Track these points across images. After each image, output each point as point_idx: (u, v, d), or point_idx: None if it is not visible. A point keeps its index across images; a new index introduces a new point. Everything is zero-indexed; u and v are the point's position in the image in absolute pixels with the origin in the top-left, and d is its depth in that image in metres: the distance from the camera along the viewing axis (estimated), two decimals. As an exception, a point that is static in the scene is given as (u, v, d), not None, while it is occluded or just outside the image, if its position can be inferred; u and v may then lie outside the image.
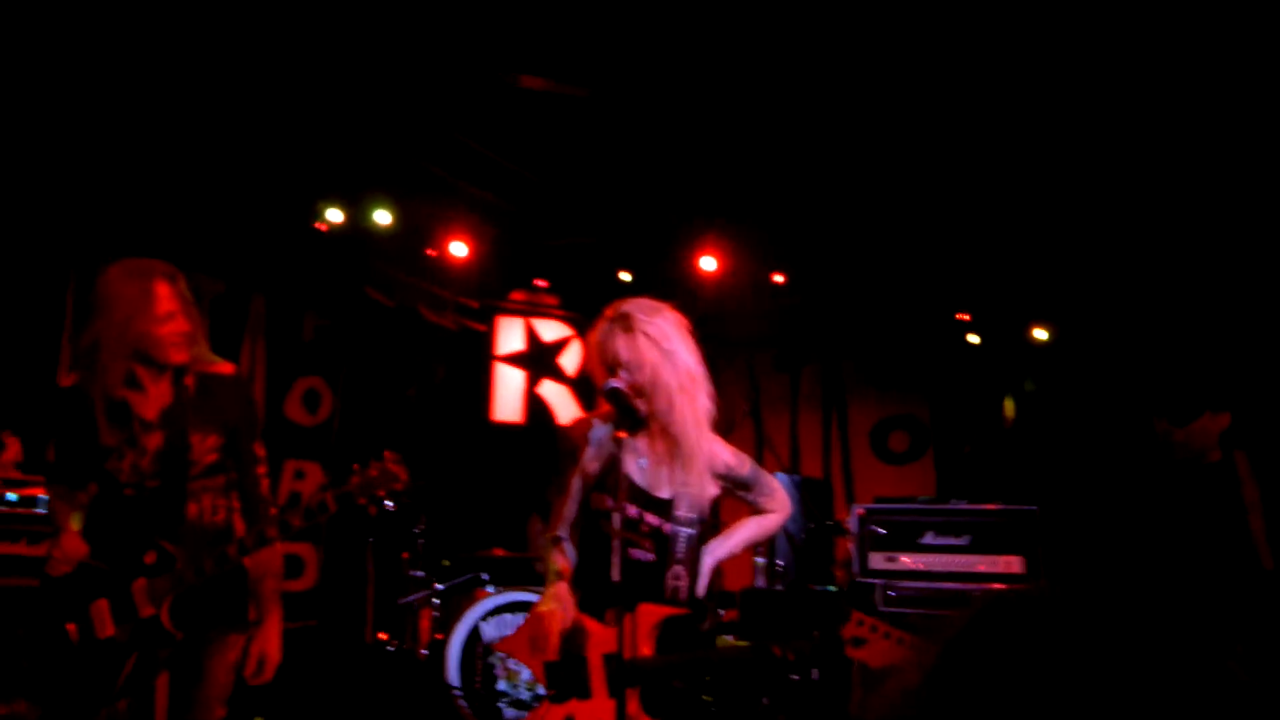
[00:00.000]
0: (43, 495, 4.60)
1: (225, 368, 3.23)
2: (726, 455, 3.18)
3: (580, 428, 3.18)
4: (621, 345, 2.98)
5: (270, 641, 3.15)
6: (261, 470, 3.20)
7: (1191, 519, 3.40)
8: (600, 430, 3.12)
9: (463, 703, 5.19)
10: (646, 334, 2.97)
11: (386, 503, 2.99)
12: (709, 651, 2.95)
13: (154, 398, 3.09)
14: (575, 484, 3.13)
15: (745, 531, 3.28)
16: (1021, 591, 0.85)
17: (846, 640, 2.66)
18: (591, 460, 3.11)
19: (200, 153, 5.58)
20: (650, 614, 2.94)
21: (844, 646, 2.66)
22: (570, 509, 3.14)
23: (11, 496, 4.62)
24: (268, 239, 6.38)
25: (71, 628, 3.01)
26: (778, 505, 3.28)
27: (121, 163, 5.52)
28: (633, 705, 2.83)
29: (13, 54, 4.65)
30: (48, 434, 5.40)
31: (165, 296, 3.00)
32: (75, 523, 3.15)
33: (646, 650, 2.90)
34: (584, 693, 2.93)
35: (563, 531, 3.15)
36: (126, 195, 5.68)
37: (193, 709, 3.09)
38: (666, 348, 2.98)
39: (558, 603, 2.99)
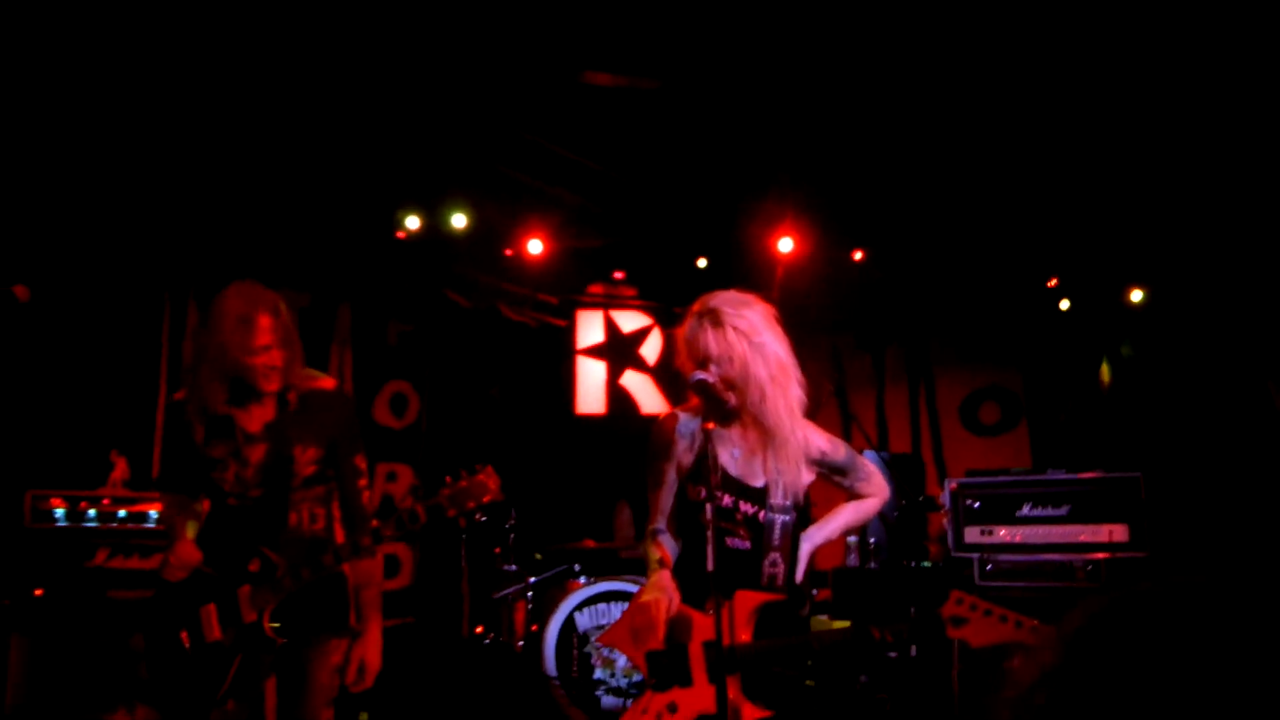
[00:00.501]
0: (152, 511, 4.81)
1: (327, 383, 3.36)
2: (821, 441, 3.17)
3: (669, 421, 3.19)
4: (711, 340, 2.99)
5: (371, 649, 3.25)
6: (362, 483, 3.31)
7: None
8: (689, 423, 3.13)
9: (561, 692, 5.27)
10: (736, 328, 2.98)
11: (478, 515, 3.06)
12: (807, 636, 2.94)
13: (257, 413, 3.23)
14: (670, 476, 3.15)
15: (843, 517, 3.26)
16: (1155, 586, 0.82)
17: (946, 620, 2.63)
18: (685, 452, 3.13)
19: (282, 173, 5.73)
20: (747, 601, 2.94)
21: (944, 626, 2.62)
22: (666, 500, 3.17)
23: (122, 513, 4.82)
24: (349, 250, 6.53)
25: (184, 635, 3.15)
26: (875, 489, 3.25)
27: (210, 190, 5.70)
28: (733, 691, 2.84)
29: (101, 84, 4.82)
30: (153, 449, 5.65)
31: (264, 329, 3.12)
32: (191, 531, 3.31)
33: (745, 637, 2.91)
34: (685, 680, 2.95)
35: (660, 523, 3.17)
36: (215, 220, 5.88)
37: (298, 711, 3.21)
38: (756, 340, 2.98)
39: (660, 591, 3.00)
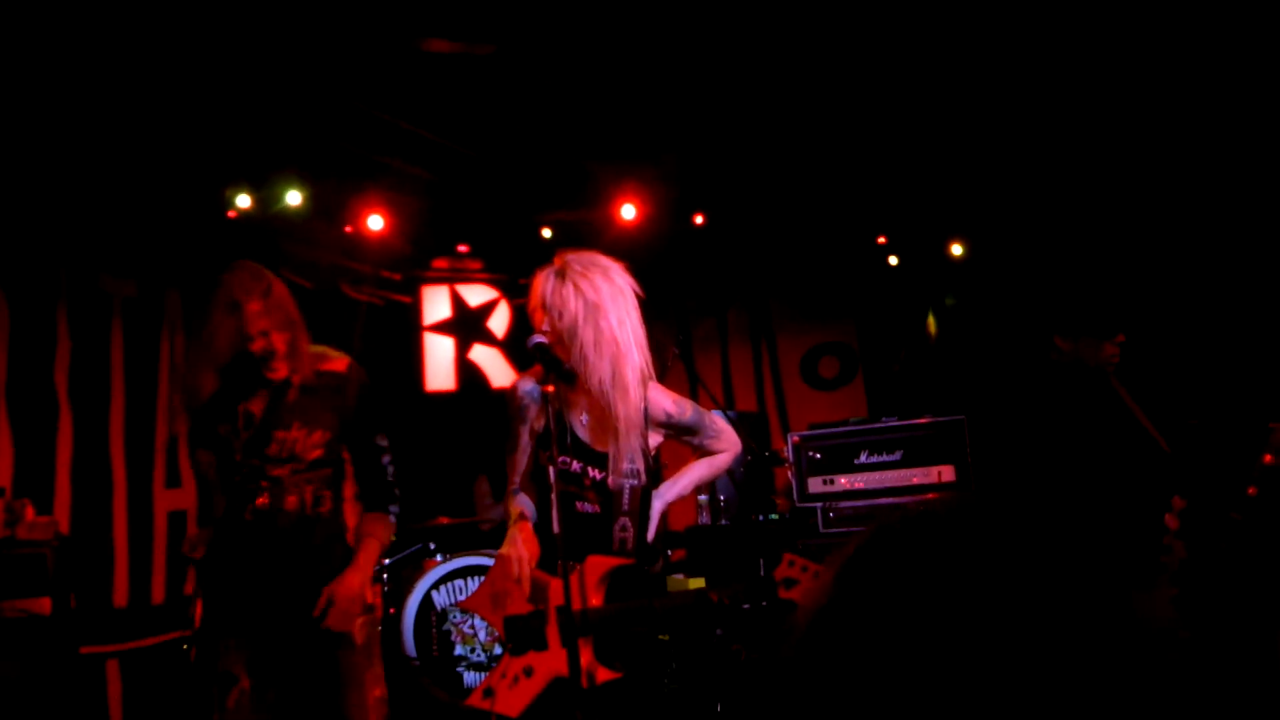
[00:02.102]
0: None
1: (338, 364, 3.35)
2: (667, 403, 3.22)
3: (518, 386, 3.22)
4: (550, 290, 3.03)
5: (343, 584, 3.17)
6: (385, 459, 3.35)
7: (1098, 420, 3.53)
8: (536, 387, 3.15)
9: (422, 673, 5.22)
10: (577, 285, 3.00)
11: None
12: (650, 601, 2.99)
13: (262, 396, 3.24)
14: (523, 439, 3.19)
15: (695, 473, 3.34)
16: (913, 507, 0.85)
17: (779, 582, 2.74)
18: (537, 417, 3.16)
19: (97, 150, 5.39)
20: (598, 566, 2.99)
21: (777, 588, 2.73)
22: (521, 462, 3.20)
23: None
24: (175, 232, 6.21)
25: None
26: (727, 445, 3.34)
27: (21, 169, 5.32)
28: (586, 655, 2.88)
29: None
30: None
31: (255, 314, 3.15)
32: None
33: (597, 601, 2.95)
34: (541, 645, 2.98)
35: (517, 484, 3.20)
36: (27, 200, 5.49)
37: (340, 694, 3.15)
38: (592, 300, 3.00)
39: (517, 545, 3.02)
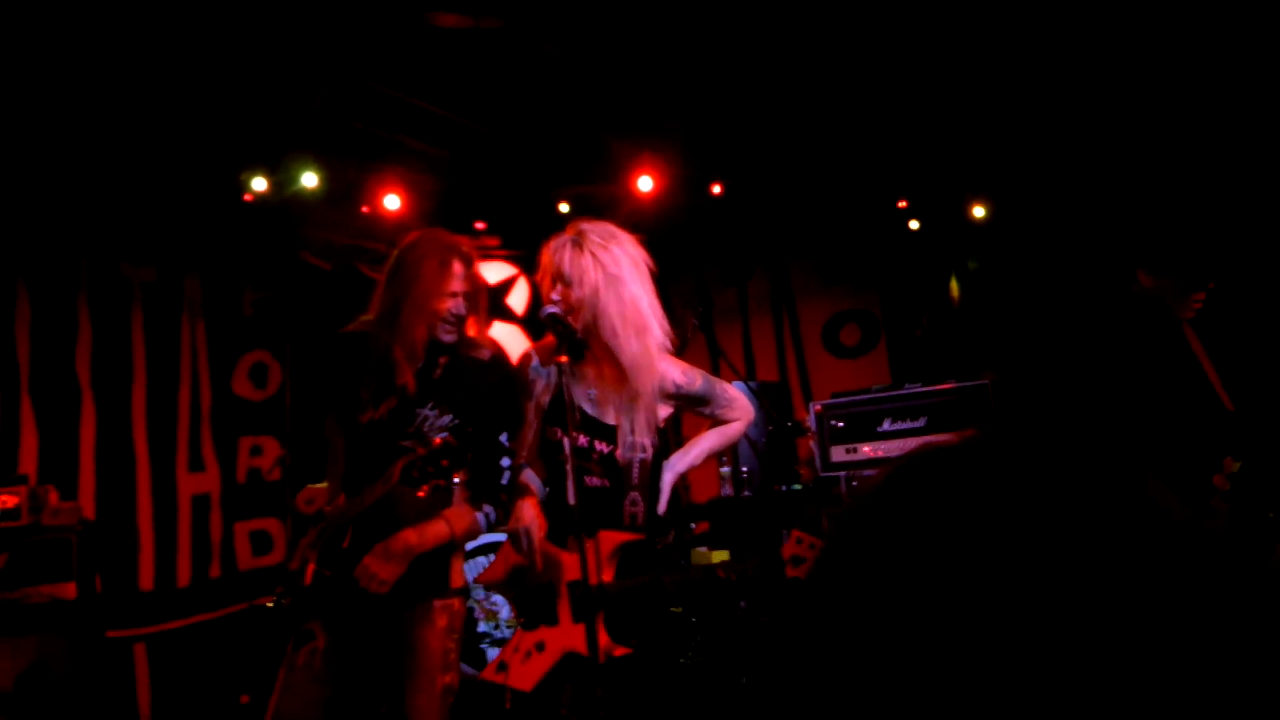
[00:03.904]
0: None
1: (482, 353, 3.22)
2: (676, 374, 3.17)
3: (524, 360, 3.18)
4: (568, 260, 2.98)
5: (390, 539, 2.97)
6: (504, 461, 3.16)
7: (1161, 361, 3.38)
8: (544, 361, 3.11)
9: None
10: (595, 255, 2.96)
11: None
12: (661, 576, 2.93)
13: (411, 366, 3.12)
14: (530, 413, 3.14)
15: (706, 442, 3.28)
16: (927, 450, 0.80)
17: (786, 560, 2.68)
18: (543, 392, 3.12)
19: (114, 139, 5.39)
20: (609, 540, 2.95)
21: (784, 567, 2.68)
22: (527, 437, 3.15)
23: None
24: (193, 218, 6.22)
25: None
26: (739, 413, 3.28)
27: (42, 161, 5.33)
28: (599, 630, 2.85)
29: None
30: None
31: (458, 277, 3.08)
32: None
33: (608, 576, 2.91)
34: (552, 619, 2.95)
35: (524, 457, 3.15)
36: (46, 191, 5.51)
37: (411, 676, 3.04)
38: (612, 272, 2.96)
39: (524, 519, 2.98)
